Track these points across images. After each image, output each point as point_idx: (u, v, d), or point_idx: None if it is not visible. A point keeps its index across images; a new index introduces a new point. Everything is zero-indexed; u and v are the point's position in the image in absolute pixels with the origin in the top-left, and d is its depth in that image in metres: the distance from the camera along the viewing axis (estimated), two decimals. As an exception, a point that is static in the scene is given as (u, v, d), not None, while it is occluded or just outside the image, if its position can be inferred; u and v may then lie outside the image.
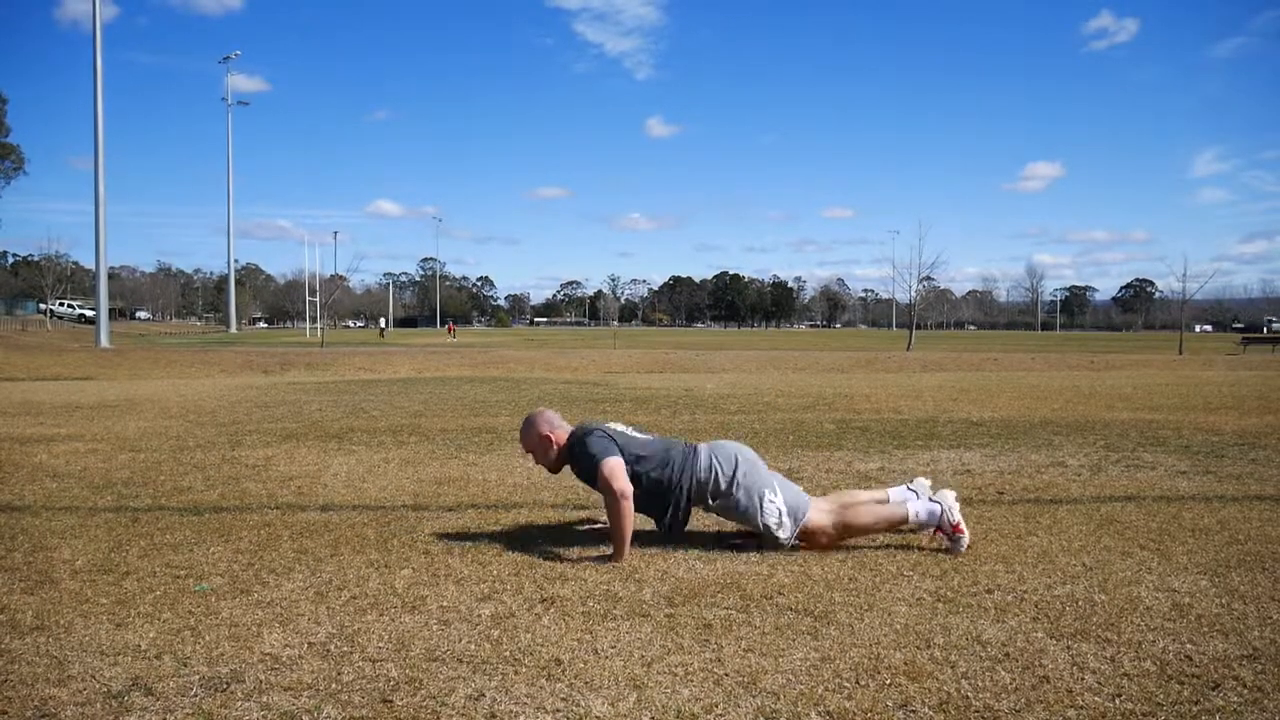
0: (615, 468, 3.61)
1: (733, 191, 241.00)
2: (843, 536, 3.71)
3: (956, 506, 3.69)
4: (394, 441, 6.87)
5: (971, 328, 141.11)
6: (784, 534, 3.65)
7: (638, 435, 3.88)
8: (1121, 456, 6.06)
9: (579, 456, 3.75)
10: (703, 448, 3.82)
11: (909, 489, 3.85)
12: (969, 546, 3.65)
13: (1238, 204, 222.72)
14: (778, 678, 2.41)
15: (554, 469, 3.95)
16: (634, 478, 3.65)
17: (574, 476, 3.93)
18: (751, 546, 3.70)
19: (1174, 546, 3.70)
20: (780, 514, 3.64)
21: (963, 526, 3.64)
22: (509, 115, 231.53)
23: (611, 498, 3.56)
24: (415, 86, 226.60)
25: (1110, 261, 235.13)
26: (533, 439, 3.89)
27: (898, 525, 3.76)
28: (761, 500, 3.65)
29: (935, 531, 3.73)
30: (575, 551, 3.66)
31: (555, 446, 3.86)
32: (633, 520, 3.57)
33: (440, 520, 4.24)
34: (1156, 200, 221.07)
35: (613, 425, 3.90)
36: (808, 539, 3.68)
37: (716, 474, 3.71)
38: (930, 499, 3.73)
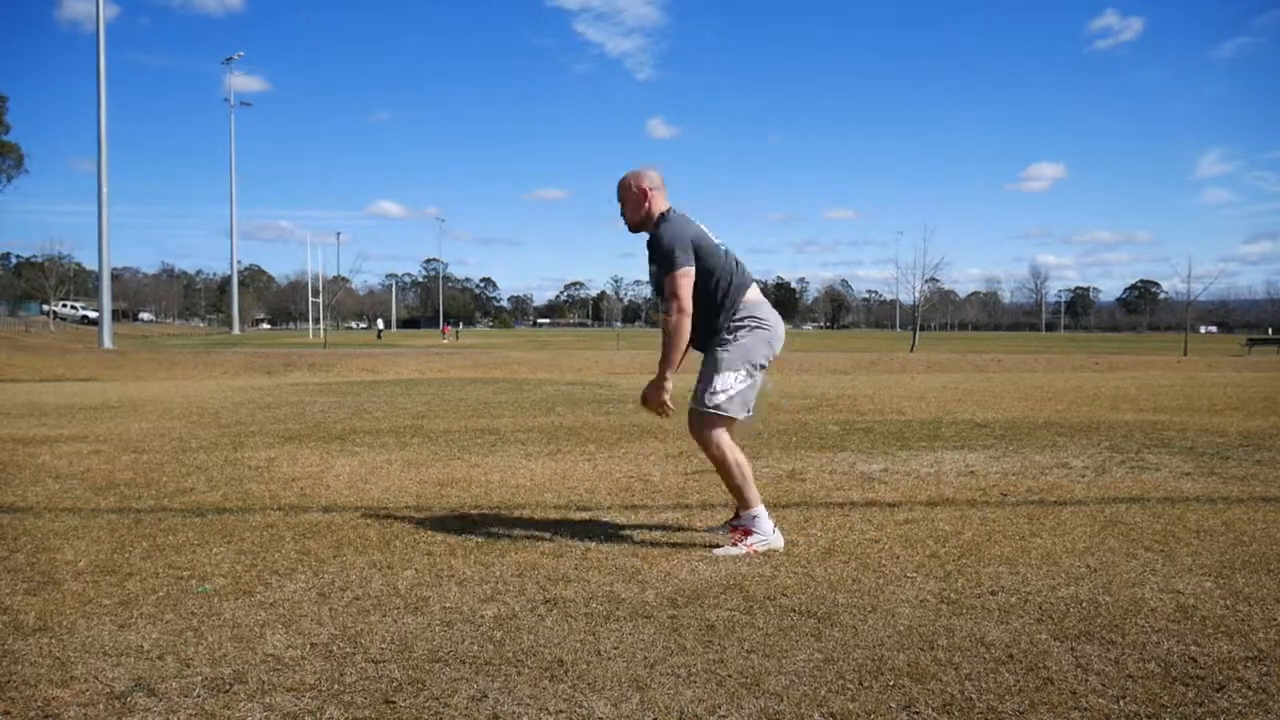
0: (685, 275, 3.60)
1: (735, 192, 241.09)
2: (715, 461, 3.70)
3: (774, 546, 3.67)
4: (397, 443, 6.87)
5: (970, 329, 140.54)
6: (697, 402, 3.69)
7: (721, 245, 3.81)
8: (1126, 458, 6.04)
9: (658, 244, 3.69)
10: (754, 287, 3.80)
11: (766, 514, 3.76)
12: (973, 547, 3.65)
13: (1242, 205, 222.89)
14: (781, 679, 2.41)
15: (634, 228, 3.85)
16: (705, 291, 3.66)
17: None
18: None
19: (1179, 548, 3.69)
20: (725, 393, 3.65)
21: (755, 548, 3.64)
22: (510, 116, 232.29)
23: (674, 308, 3.59)
24: (416, 87, 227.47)
25: (1114, 262, 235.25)
26: (630, 190, 3.81)
27: (734, 496, 3.76)
28: (720, 372, 3.66)
29: (735, 531, 3.74)
30: (579, 552, 3.66)
31: (648, 204, 3.78)
32: (686, 339, 3.62)
33: (443, 521, 4.24)
34: (1160, 201, 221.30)
35: (701, 226, 3.81)
36: (701, 425, 3.69)
37: (736, 309, 3.72)
38: (771, 533, 3.70)
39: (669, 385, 3.71)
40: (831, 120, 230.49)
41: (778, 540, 3.70)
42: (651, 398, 3.78)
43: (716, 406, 3.67)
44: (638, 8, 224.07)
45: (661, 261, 3.66)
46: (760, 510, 3.71)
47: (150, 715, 2.21)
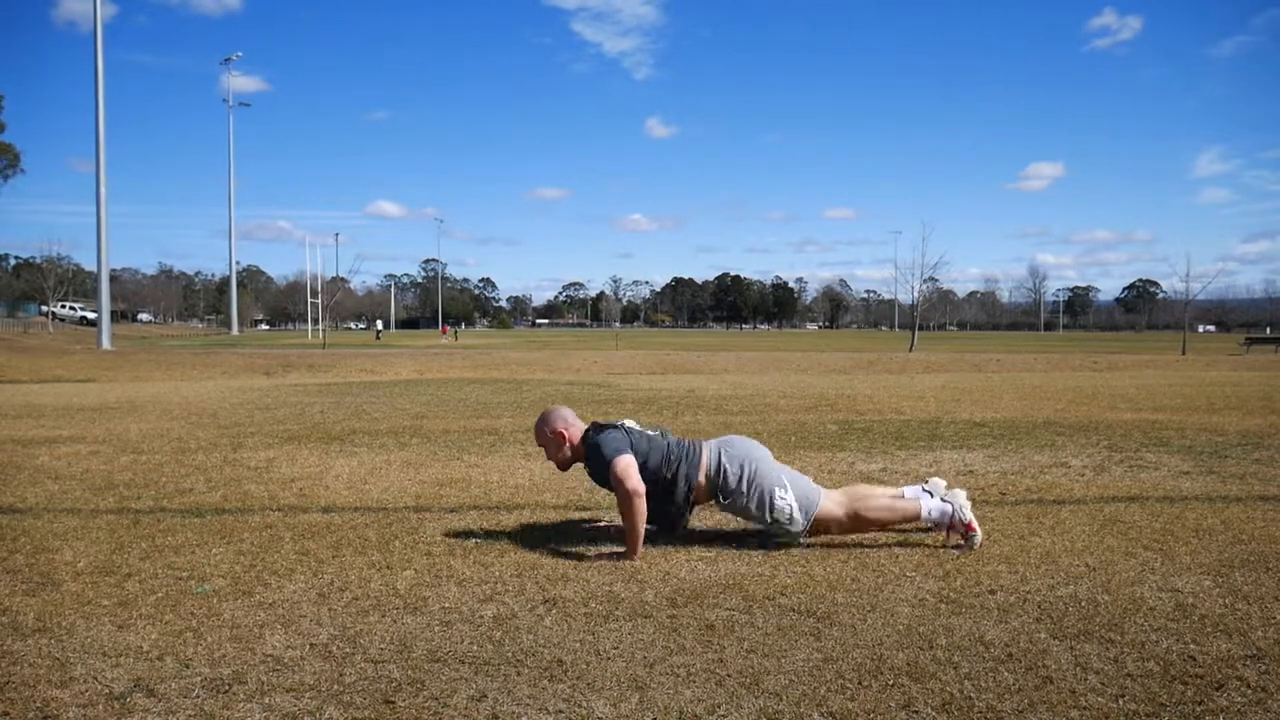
0: (628, 466, 3.62)
1: (733, 192, 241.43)
2: (854, 528, 3.73)
3: (968, 506, 3.71)
4: (396, 443, 6.87)
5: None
6: (796, 528, 3.67)
7: (648, 432, 3.89)
8: (1124, 457, 6.05)
9: (592, 455, 3.76)
10: (710, 444, 3.83)
11: (924, 489, 3.86)
12: (974, 548, 3.65)
13: (1240, 204, 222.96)
14: (780, 678, 2.41)
15: (564, 467, 3.95)
16: (642, 472, 3.66)
17: (585, 475, 3.94)
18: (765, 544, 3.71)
19: (1177, 547, 3.69)
20: (791, 510, 3.66)
21: (975, 525, 3.67)
22: (508, 115, 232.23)
23: (624, 495, 3.56)
24: (414, 87, 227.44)
25: (1113, 262, 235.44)
26: (545, 435, 3.91)
27: (909, 521, 3.77)
28: (772, 498, 3.66)
29: (948, 532, 3.74)
30: (578, 552, 3.66)
31: (568, 444, 3.87)
32: (645, 518, 3.58)
33: (442, 522, 4.24)
34: (1159, 200, 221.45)
35: (627, 422, 3.91)
36: (819, 528, 3.69)
37: (725, 472, 3.72)
38: (943, 498, 3.75)
39: (638, 564, 3.55)
40: (830, 119, 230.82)
41: (953, 495, 3.75)
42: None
43: (805, 528, 3.67)
44: (635, 7, 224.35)
45: (598, 461, 3.70)
46: (935, 502, 3.74)
47: (149, 716, 2.21)
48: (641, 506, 3.56)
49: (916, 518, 3.74)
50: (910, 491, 3.85)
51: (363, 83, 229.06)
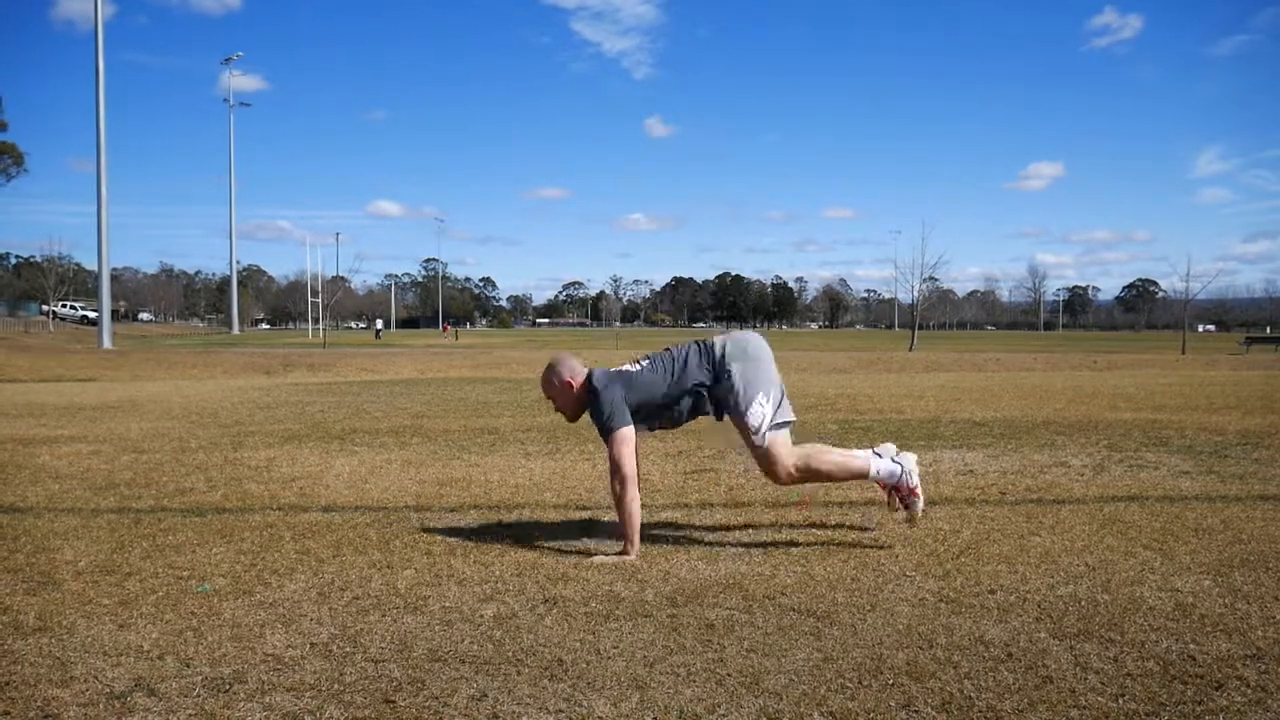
0: (625, 440, 3.63)
1: (733, 191, 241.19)
2: (804, 477, 3.74)
3: (916, 471, 3.75)
4: (396, 442, 6.87)
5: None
6: (758, 439, 3.69)
7: (650, 373, 3.82)
8: (1124, 456, 6.05)
9: (595, 408, 3.74)
10: (718, 341, 3.84)
11: (874, 451, 3.86)
12: (972, 546, 3.66)
13: (1240, 203, 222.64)
14: (780, 678, 2.41)
15: (573, 417, 3.92)
16: (636, 410, 3.70)
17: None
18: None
19: (1177, 546, 3.69)
20: (763, 422, 3.68)
21: (919, 491, 3.72)
22: (507, 115, 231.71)
23: (617, 481, 3.58)
24: (413, 86, 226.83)
25: (1112, 261, 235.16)
26: (554, 386, 3.87)
27: (857, 477, 3.80)
28: (752, 400, 3.69)
29: (892, 494, 3.79)
30: (578, 551, 3.66)
31: (574, 392, 3.84)
32: (639, 508, 3.60)
33: (443, 521, 4.24)
34: (1158, 200, 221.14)
35: (628, 368, 3.86)
36: (770, 463, 3.69)
37: (727, 353, 3.75)
38: (893, 459, 3.78)
39: (633, 559, 3.56)
40: (830, 119, 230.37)
41: (903, 458, 3.79)
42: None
43: (765, 441, 3.68)
44: (634, 6, 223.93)
45: (598, 417, 3.71)
46: (884, 462, 3.77)
47: (150, 715, 2.21)
48: (634, 495, 3.58)
49: (864, 475, 3.76)
50: (861, 454, 3.86)
51: (363, 83, 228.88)
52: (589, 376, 3.82)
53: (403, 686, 2.37)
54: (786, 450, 3.71)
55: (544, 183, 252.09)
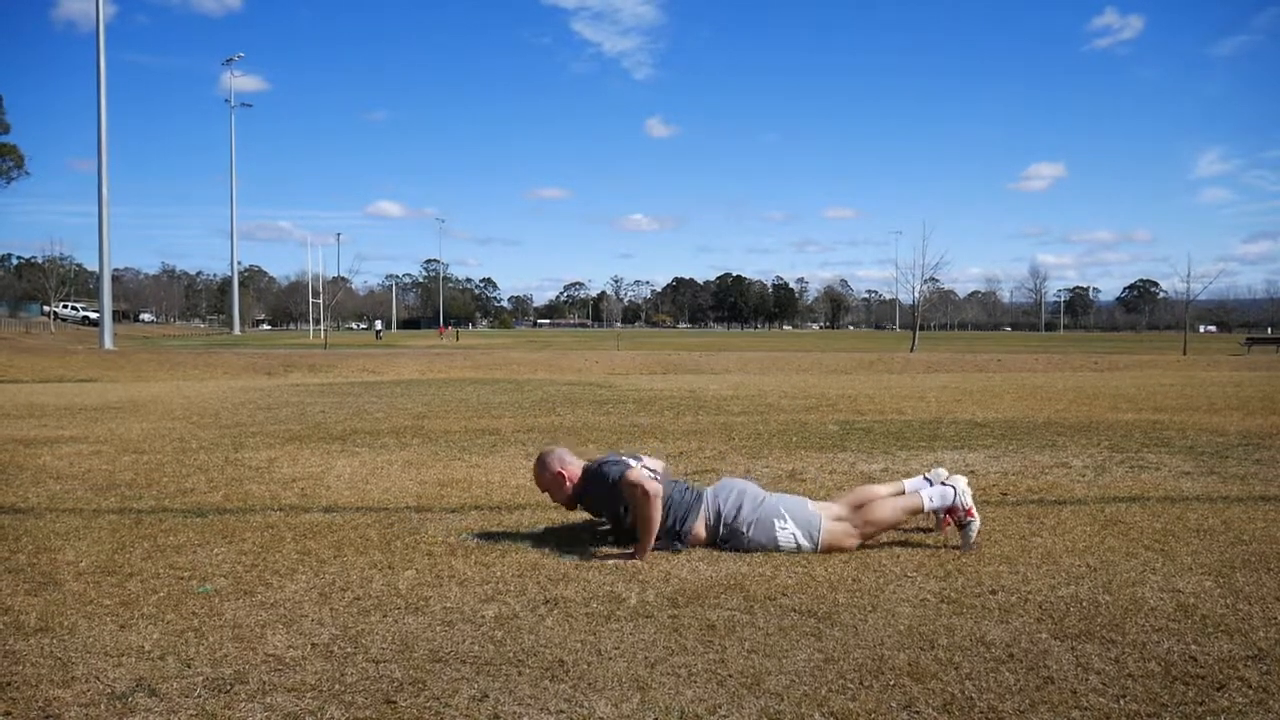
0: (638, 473, 3.66)
1: (733, 191, 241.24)
2: (876, 532, 3.75)
3: (969, 492, 3.74)
4: (397, 443, 6.87)
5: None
6: (815, 547, 3.67)
7: (657, 468, 3.91)
8: (1126, 457, 6.05)
9: (595, 485, 3.79)
10: (707, 493, 3.84)
11: (925, 478, 3.90)
12: (975, 545, 3.66)
13: (1241, 204, 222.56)
14: (781, 678, 2.41)
15: (570, 506, 3.98)
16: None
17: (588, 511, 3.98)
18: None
19: (1178, 547, 3.69)
20: (795, 538, 3.67)
21: (974, 511, 3.70)
22: (508, 115, 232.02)
23: (641, 497, 3.57)
24: (414, 87, 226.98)
25: (1113, 262, 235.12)
26: (545, 478, 3.94)
27: (916, 514, 3.81)
28: (773, 531, 3.68)
29: (945, 518, 3.77)
30: (579, 552, 3.66)
31: (569, 482, 3.90)
32: (660, 520, 3.60)
33: (443, 522, 4.24)
34: (1159, 200, 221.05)
35: (645, 459, 3.94)
36: (840, 548, 3.67)
37: (722, 519, 3.73)
38: (944, 483, 3.78)
39: (641, 565, 3.56)
40: (831, 119, 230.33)
41: (955, 480, 3.80)
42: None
43: (820, 543, 3.66)
44: (635, 7, 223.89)
45: (602, 486, 3.73)
46: (935, 488, 3.78)
47: (151, 715, 2.21)
48: (659, 507, 3.58)
49: (921, 509, 3.77)
50: (911, 484, 3.87)
51: (363, 83, 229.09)
52: (585, 466, 3.89)
53: (404, 687, 2.37)
54: (842, 530, 3.69)
55: (545, 183, 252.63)
